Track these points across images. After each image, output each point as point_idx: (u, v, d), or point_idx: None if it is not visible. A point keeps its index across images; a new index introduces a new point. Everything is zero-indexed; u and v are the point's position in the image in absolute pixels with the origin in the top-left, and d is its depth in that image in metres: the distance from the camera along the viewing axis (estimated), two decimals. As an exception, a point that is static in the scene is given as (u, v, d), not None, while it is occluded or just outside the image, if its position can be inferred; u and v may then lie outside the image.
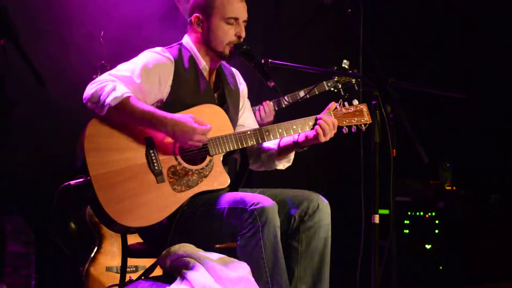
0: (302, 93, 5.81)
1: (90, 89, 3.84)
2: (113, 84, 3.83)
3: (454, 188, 6.80)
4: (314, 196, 4.07)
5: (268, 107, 5.87)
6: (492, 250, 6.49)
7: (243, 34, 4.14)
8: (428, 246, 6.64)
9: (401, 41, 7.22)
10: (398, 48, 7.17)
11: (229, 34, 4.11)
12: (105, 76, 3.91)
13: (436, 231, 6.64)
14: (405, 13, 7.25)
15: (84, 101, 3.86)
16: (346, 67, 5.71)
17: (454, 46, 7.14)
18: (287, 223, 4.04)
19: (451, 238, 6.59)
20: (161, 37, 5.61)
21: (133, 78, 3.93)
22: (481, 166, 6.99)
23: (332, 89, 5.86)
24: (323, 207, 4.05)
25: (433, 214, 6.66)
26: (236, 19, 4.11)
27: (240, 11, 4.13)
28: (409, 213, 6.74)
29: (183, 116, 3.90)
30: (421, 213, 6.71)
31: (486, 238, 6.54)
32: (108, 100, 3.78)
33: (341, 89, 5.85)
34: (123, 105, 3.81)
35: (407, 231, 6.75)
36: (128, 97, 3.82)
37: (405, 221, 6.74)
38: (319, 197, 4.08)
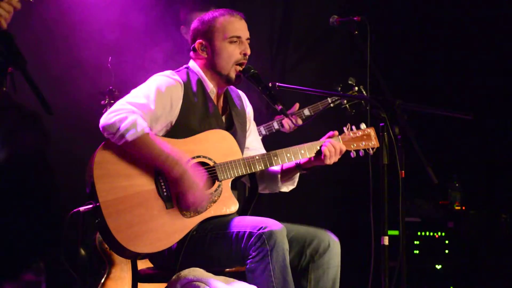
0: (306, 111, 5.80)
1: (108, 119, 3.81)
2: (133, 117, 3.79)
3: (463, 208, 6.78)
4: (325, 235, 4.05)
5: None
6: (503, 270, 6.46)
7: (249, 51, 4.15)
8: (438, 267, 6.61)
9: (408, 61, 7.22)
10: (405, 69, 7.18)
11: (234, 53, 4.11)
12: (123, 104, 3.87)
13: (446, 251, 6.61)
14: (413, 34, 7.26)
15: (100, 129, 3.83)
16: (353, 83, 5.66)
17: (463, 66, 7.15)
18: (298, 259, 4.03)
19: (461, 258, 6.57)
20: (167, 61, 5.65)
21: (149, 104, 3.91)
22: (491, 185, 6.97)
23: (337, 104, 5.80)
24: (334, 246, 4.04)
25: (443, 234, 6.64)
26: (238, 37, 4.11)
27: (241, 29, 4.14)
28: (418, 233, 6.72)
29: (199, 173, 3.90)
30: (431, 234, 6.68)
31: (496, 258, 6.51)
32: (126, 135, 3.75)
33: (347, 105, 5.79)
34: (140, 141, 3.79)
35: (417, 251, 6.72)
36: (147, 133, 3.81)
37: (415, 242, 6.71)
38: (330, 236, 4.06)
